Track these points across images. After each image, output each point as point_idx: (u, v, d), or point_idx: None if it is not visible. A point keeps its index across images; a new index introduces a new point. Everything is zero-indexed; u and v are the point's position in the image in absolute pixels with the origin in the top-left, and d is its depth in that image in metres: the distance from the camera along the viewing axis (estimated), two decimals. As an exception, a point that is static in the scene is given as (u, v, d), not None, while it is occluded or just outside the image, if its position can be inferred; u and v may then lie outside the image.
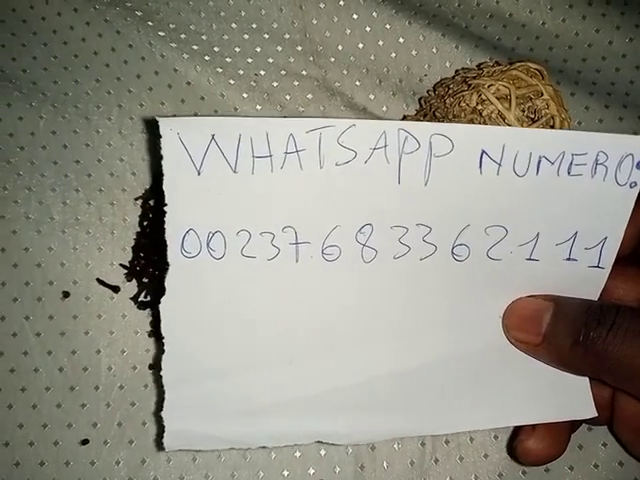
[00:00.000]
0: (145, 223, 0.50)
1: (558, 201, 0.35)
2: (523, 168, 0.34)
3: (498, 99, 0.45)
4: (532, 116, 0.45)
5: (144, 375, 0.48)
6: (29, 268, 0.48)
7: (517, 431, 0.41)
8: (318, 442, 0.39)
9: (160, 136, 0.32)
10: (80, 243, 0.49)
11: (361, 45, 0.55)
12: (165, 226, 0.33)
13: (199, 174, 0.33)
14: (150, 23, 0.53)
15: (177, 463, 0.47)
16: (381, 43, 0.55)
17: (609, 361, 0.32)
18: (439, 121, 0.46)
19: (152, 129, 0.50)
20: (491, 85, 0.45)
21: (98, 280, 0.48)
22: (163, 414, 0.36)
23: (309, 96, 0.54)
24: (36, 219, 0.49)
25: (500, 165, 0.34)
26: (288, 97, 0.54)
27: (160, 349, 0.36)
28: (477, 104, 0.46)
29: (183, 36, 0.54)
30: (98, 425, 0.47)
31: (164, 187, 0.33)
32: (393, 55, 0.55)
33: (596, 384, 0.38)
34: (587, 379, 0.38)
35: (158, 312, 0.46)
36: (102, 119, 0.52)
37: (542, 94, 0.45)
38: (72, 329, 0.48)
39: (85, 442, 0.46)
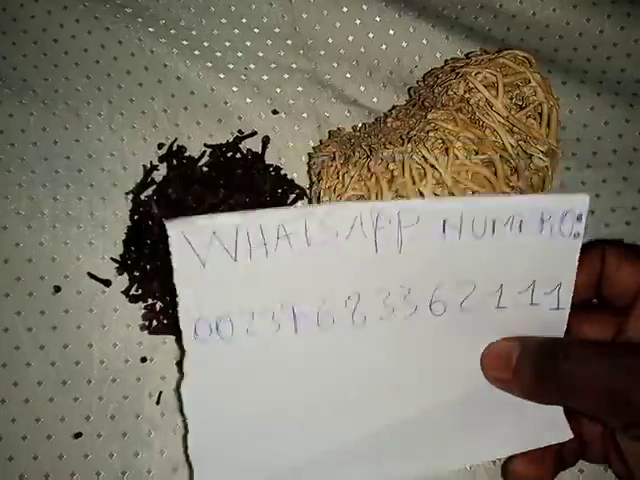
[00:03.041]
0: (136, 217, 0.50)
1: (514, 255, 0.39)
2: (480, 231, 0.38)
3: (486, 87, 0.45)
4: (520, 103, 0.45)
5: (136, 368, 0.48)
6: (20, 263, 0.48)
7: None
8: None
9: (168, 236, 0.35)
10: (71, 238, 0.49)
11: (351, 38, 0.55)
12: (178, 315, 0.36)
13: (204, 266, 0.36)
14: (140, 19, 0.54)
15: (170, 455, 0.47)
16: (371, 35, 0.55)
17: (566, 387, 0.36)
18: (427, 110, 0.46)
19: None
20: (478, 73, 0.45)
21: (89, 274, 0.49)
22: None
23: (299, 89, 0.55)
24: (27, 215, 0.49)
25: (460, 231, 0.38)
26: (278, 90, 0.54)
27: (185, 428, 0.38)
28: (465, 92, 0.46)
29: (173, 32, 0.54)
30: (91, 418, 0.47)
31: (175, 280, 0.36)
32: (383, 47, 0.55)
33: (588, 423, 0.41)
34: (561, 408, 0.41)
35: (150, 305, 0.47)
36: (92, 115, 0.52)
37: (530, 81, 0.45)
38: (64, 323, 0.48)
39: (78, 435, 0.46)
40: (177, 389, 0.39)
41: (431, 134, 0.43)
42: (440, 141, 0.43)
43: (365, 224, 0.37)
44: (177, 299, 0.36)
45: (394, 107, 0.53)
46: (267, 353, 0.38)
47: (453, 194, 0.42)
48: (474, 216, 0.38)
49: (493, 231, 0.38)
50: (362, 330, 0.39)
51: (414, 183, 0.42)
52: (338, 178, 0.46)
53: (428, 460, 0.41)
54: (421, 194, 0.42)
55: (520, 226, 0.38)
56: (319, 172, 0.48)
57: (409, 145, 0.43)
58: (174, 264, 0.36)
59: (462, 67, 0.47)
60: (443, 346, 0.41)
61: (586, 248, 0.39)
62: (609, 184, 0.53)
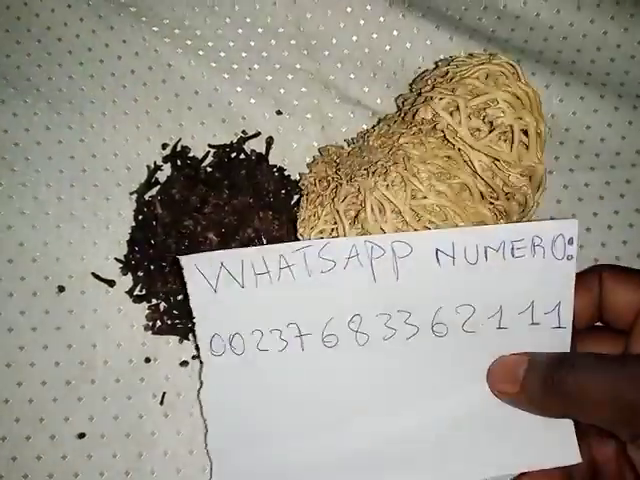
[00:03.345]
0: (140, 217, 0.50)
1: (510, 279, 0.41)
2: (474, 258, 0.40)
3: (452, 112, 0.44)
4: (490, 125, 0.44)
5: (140, 368, 0.48)
6: (24, 263, 0.48)
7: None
8: None
9: (182, 268, 0.41)
10: (75, 238, 0.49)
11: (355, 38, 0.55)
12: (195, 334, 0.42)
13: (215, 292, 0.41)
14: (144, 19, 0.54)
15: (174, 456, 0.47)
16: (375, 36, 0.55)
17: (573, 397, 0.36)
18: (408, 126, 0.46)
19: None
20: (442, 98, 0.44)
21: (93, 274, 0.49)
22: None
23: (303, 89, 0.55)
24: (31, 214, 0.49)
25: (454, 258, 0.40)
26: (282, 91, 0.54)
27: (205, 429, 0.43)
28: (433, 116, 0.45)
29: (177, 31, 0.54)
30: (94, 419, 0.47)
31: (191, 305, 0.41)
32: (387, 48, 0.55)
33: (599, 445, 0.42)
34: (572, 427, 0.41)
35: (154, 305, 0.47)
36: (96, 114, 0.52)
37: (497, 102, 0.43)
38: (68, 323, 0.48)
39: (82, 436, 0.46)
40: (198, 396, 0.43)
41: (392, 168, 0.43)
42: (400, 176, 0.42)
43: (361, 255, 0.41)
44: (194, 319, 0.42)
45: (379, 121, 0.53)
46: (276, 367, 0.42)
47: (416, 229, 0.43)
48: (465, 244, 0.40)
49: (486, 257, 0.40)
50: (366, 349, 0.42)
51: (376, 220, 0.42)
52: (315, 207, 0.46)
53: (433, 474, 0.42)
54: (383, 230, 0.43)
55: (512, 251, 0.40)
56: (300, 198, 0.49)
57: (372, 179, 0.43)
58: (189, 291, 0.41)
59: (433, 88, 0.46)
60: (447, 364, 0.42)
61: (583, 274, 0.41)
62: (612, 186, 0.53)
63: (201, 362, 0.42)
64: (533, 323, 0.41)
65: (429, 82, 0.48)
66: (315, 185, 0.48)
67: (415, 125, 0.46)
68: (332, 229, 0.45)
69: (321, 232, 0.45)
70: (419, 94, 0.48)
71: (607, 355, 0.38)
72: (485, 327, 0.41)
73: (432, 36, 0.55)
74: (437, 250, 0.40)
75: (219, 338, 0.42)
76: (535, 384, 0.39)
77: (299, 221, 0.47)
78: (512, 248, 0.40)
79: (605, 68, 0.55)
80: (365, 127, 0.54)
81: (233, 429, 0.43)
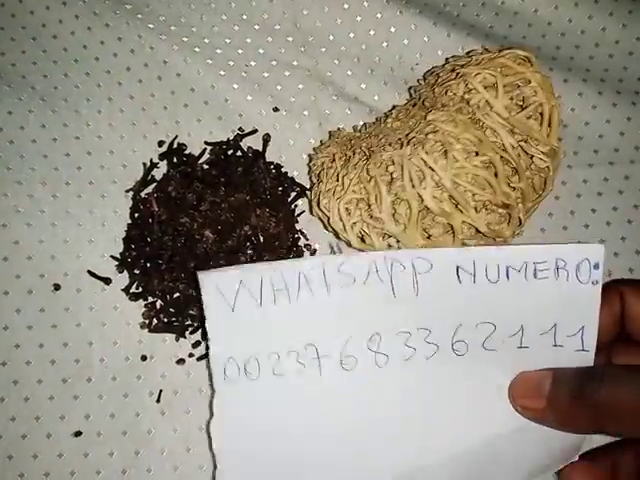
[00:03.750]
0: (136, 215, 0.50)
1: (532, 299, 0.40)
2: (494, 276, 0.40)
3: (485, 87, 0.44)
4: (520, 104, 0.45)
5: (136, 366, 0.48)
6: (19, 261, 0.48)
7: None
8: None
9: (200, 286, 0.39)
10: (70, 236, 0.49)
11: (352, 35, 0.55)
12: (209, 358, 0.40)
13: (233, 310, 0.40)
14: (140, 16, 0.54)
15: (171, 454, 0.47)
16: (372, 32, 0.55)
17: (605, 408, 0.36)
18: (428, 110, 0.46)
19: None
20: (478, 74, 0.44)
21: (89, 272, 0.48)
22: None
23: (300, 86, 0.54)
24: (26, 212, 0.49)
25: (475, 276, 0.40)
26: (279, 87, 0.54)
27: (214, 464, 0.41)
28: (465, 93, 0.45)
29: (173, 28, 0.54)
30: (91, 417, 0.47)
31: (207, 325, 0.40)
32: (384, 44, 0.55)
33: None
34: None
35: (150, 303, 0.47)
36: (92, 112, 0.52)
37: (530, 81, 0.44)
38: (63, 321, 0.48)
39: (78, 434, 0.46)
40: (207, 427, 0.41)
41: (430, 136, 0.43)
42: (439, 144, 0.43)
43: (380, 270, 0.40)
44: (208, 342, 0.40)
45: (394, 107, 0.53)
46: (292, 393, 0.41)
47: (454, 199, 0.42)
48: (486, 263, 0.39)
49: (507, 277, 0.40)
50: (385, 371, 0.41)
51: (413, 186, 0.42)
52: (338, 180, 0.46)
53: None
54: (420, 197, 0.42)
55: (535, 273, 0.39)
56: (319, 174, 0.48)
57: (408, 147, 0.43)
58: (206, 310, 0.40)
59: (462, 67, 0.46)
60: (467, 384, 0.42)
61: (603, 290, 0.40)
62: (611, 182, 0.53)
63: (213, 389, 0.41)
64: (556, 345, 0.40)
65: (441, 75, 0.48)
66: (334, 161, 0.48)
67: (443, 104, 0.46)
68: (360, 199, 0.45)
69: (348, 202, 0.45)
70: (433, 85, 0.48)
71: (635, 366, 0.38)
72: (506, 345, 0.41)
73: (430, 33, 0.54)
74: (458, 267, 0.40)
75: (233, 362, 0.40)
76: (563, 398, 0.38)
77: (322, 192, 0.47)
78: (535, 269, 0.39)
79: (604, 64, 0.55)
80: (362, 123, 0.54)
81: (246, 463, 0.41)
